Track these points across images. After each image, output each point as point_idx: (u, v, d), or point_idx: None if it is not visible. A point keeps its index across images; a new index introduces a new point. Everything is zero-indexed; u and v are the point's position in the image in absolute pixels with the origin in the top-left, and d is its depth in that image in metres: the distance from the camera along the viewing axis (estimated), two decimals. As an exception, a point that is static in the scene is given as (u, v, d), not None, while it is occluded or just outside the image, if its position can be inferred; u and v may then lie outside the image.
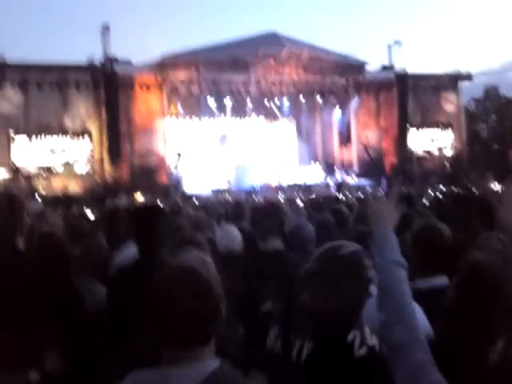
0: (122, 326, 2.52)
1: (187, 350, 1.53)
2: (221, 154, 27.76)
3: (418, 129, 30.82)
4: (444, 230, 2.93)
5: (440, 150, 31.44)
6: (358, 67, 28.79)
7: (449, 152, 31.61)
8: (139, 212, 3.10)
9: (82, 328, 2.48)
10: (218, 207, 9.96)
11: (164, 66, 25.46)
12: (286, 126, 30.39)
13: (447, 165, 29.72)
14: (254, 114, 28.80)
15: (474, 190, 14.91)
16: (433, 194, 13.16)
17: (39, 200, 20.77)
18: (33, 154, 24.20)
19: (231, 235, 3.98)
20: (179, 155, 26.18)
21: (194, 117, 27.88)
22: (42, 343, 2.31)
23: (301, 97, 28.83)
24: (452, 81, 31.58)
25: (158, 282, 1.63)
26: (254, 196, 21.83)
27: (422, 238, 2.89)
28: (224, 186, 25.21)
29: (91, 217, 9.64)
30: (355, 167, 29.46)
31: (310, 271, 2.00)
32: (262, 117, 29.17)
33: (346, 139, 30.28)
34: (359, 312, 1.95)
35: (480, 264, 1.86)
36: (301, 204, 10.93)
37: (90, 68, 25.03)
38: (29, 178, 23.99)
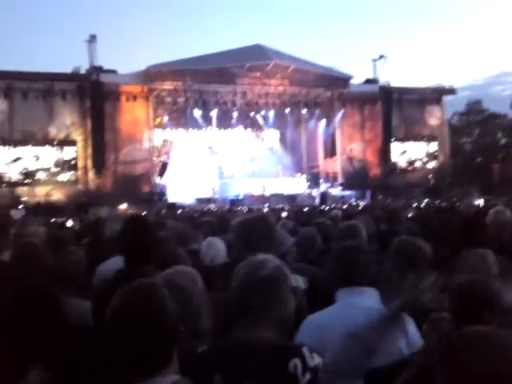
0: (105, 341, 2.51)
1: (145, 375, 1.51)
2: (206, 164, 27.81)
3: (401, 141, 31.15)
4: (423, 246, 2.98)
5: (424, 162, 31.79)
6: (343, 80, 29.07)
7: (432, 165, 31.96)
8: (125, 223, 3.06)
9: (65, 344, 2.44)
10: (202, 218, 9.97)
11: (150, 76, 25.46)
12: (271, 138, 30.56)
13: (431, 178, 30.04)
14: (239, 125, 28.92)
15: (457, 203, 15.12)
16: (416, 207, 13.32)
17: (22, 207, 20.62)
18: (17, 161, 23.99)
19: (216, 247, 3.99)
20: (164, 164, 26.17)
21: (179, 127, 27.91)
22: (23, 359, 2.27)
23: (286, 109, 28.99)
24: (436, 94, 32.03)
25: (113, 303, 1.59)
26: (238, 205, 21.93)
27: (402, 254, 2.94)
28: (208, 195, 25.27)
29: (74, 226, 9.61)
30: (340, 179, 29.65)
31: (238, 301, 1.91)
32: (247, 128, 29.30)
33: (330, 151, 30.49)
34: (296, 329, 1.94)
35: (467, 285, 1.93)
36: (285, 214, 11.01)
37: (76, 77, 24.95)
38: (12, 185, 23.79)
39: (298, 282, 2.87)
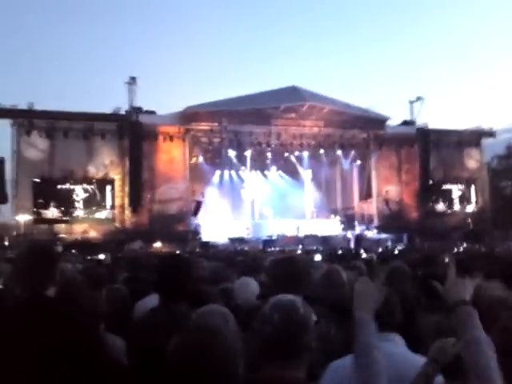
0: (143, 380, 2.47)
1: None
2: (240, 204, 27.86)
3: (440, 184, 30.65)
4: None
5: (462, 206, 31.13)
6: (379, 121, 29.02)
7: (471, 208, 31.26)
8: (161, 261, 3.08)
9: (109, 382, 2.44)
10: (236, 257, 9.87)
11: (187, 117, 25.98)
12: (306, 179, 30.50)
13: (470, 221, 29.30)
14: (273, 165, 29.03)
15: (496, 248, 14.61)
16: (455, 251, 12.92)
17: (59, 244, 20.95)
18: (55, 199, 24.56)
19: (250, 287, 3.89)
20: (198, 204, 26.36)
21: (214, 167, 28.20)
22: None
23: (321, 150, 29.01)
24: (475, 137, 31.58)
25: (177, 342, 1.54)
26: (271, 246, 21.76)
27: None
28: (242, 235, 25.20)
29: (106, 260, 9.62)
30: (375, 221, 29.22)
31: (272, 341, 1.85)
32: (281, 169, 29.36)
33: (366, 193, 30.21)
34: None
35: None
36: (318, 256, 10.79)
37: (116, 117, 25.62)
38: (50, 222, 24.28)
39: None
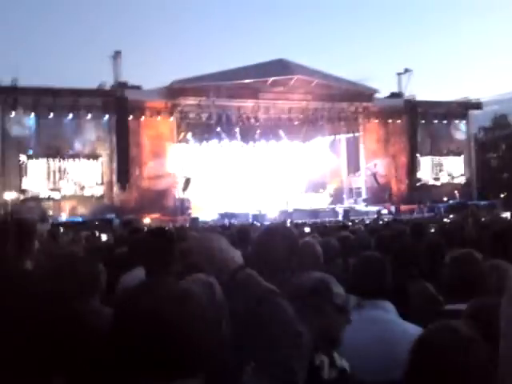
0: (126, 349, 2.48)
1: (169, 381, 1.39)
2: (229, 179, 27.80)
3: (427, 156, 30.79)
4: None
5: (450, 178, 31.34)
6: (367, 94, 28.94)
7: (458, 180, 31.49)
8: (147, 235, 3.11)
9: (87, 351, 2.43)
10: (224, 231, 9.90)
11: (174, 92, 25.71)
12: (295, 153, 30.43)
13: (457, 193, 29.57)
14: (262, 139, 28.91)
15: (482, 218, 14.77)
16: (441, 222, 13.06)
17: (49, 221, 20.85)
18: (43, 176, 24.38)
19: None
20: (187, 179, 26.28)
21: (203, 142, 28.04)
22: (46, 367, 2.25)
23: (310, 123, 28.91)
24: (462, 109, 31.64)
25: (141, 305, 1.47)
26: (260, 220, 21.82)
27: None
28: (231, 210, 25.20)
29: (109, 240, 9.59)
30: (363, 194, 29.37)
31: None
32: (271, 142, 29.25)
33: (354, 166, 30.28)
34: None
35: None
36: (307, 229, 10.84)
37: (101, 93, 25.30)
38: (38, 199, 24.13)
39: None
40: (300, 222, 18.71)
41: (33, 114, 24.06)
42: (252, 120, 27.42)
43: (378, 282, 2.46)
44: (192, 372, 1.41)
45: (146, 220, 22.39)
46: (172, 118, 26.17)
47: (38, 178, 24.30)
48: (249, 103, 26.85)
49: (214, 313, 2.15)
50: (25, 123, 24.12)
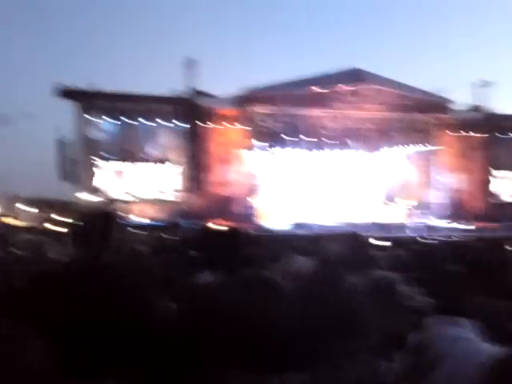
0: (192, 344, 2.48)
1: (268, 374, 1.36)
2: (298, 188, 27.59)
3: (505, 172, 29.40)
4: None
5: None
6: (443, 106, 28.00)
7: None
8: (221, 235, 3.10)
9: (154, 342, 2.46)
10: (293, 241, 9.72)
11: (245, 99, 25.94)
12: (364, 164, 29.79)
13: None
14: (330, 149, 28.49)
15: None
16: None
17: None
18: (116, 179, 25.22)
19: (302, 262, 3.83)
20: (254, 187, 26.36)
21: (270, 150, 28.02)
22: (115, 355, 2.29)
23: (381, 134, 28.28)
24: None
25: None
26: (329, 231, 21.42)
27: None
28: (300, 220, 24.98)
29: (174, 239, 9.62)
30: (437, 210, 28.33)
31: None
32: (339, 152, 28.79)
33: (427, 180, 29.33)
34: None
35: None
36: (377, 242, 10.47)
37: (175, 100, 25.88)
38: (111, 201, 24.93)
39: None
40: (370, 235, 18.19)
41: (108, 119, 24.99)
42: (320, 129, 27.17)
43: (456, 297, 2.39)
44: (289, 365, 1.37)
45: (213, 226, 22.56)
46: (241, 126, 26.41)
47: (111, 180, 25.18)
48: (318, 112, 26.63)
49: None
50: (100, 127, 25.09)
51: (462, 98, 29.50)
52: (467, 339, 2.20)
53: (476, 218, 26.53)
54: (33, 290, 2.95)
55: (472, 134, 28.66)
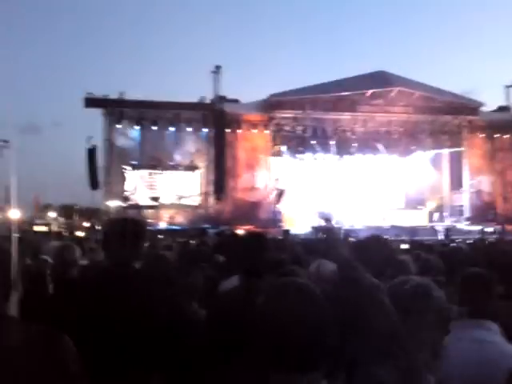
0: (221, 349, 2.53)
1: (297, 374, 1.36)
2: (324, 192, 27.47)
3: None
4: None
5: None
6: (472, 107, 27.54)
7: None
8: (247, 239, 3.13)
9: (185, 349, 2.55)
10: (319, 245, 9.68)
11: (270, 105, 25.97)
12: (393, 167, 29.51)
13: None
14: (359, 153, 28.32)
15: None
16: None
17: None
18: (144, 185, 25.55)
19: (326, 266, 3.82)
20: (281, 192, 26.35)
21: (297, 155, 28.01)
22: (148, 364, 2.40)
23: (410, 137, 27.99)
24: None
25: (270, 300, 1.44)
26: (353, 235, 21.27)
27: None
28: (323, 224, 24.83)
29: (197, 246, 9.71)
30: (466, 212, 27.84)
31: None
32: (367, 156, 28.59)
33: (457, 183, 28.88)
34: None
35: None
36: (406, 246, 10.39)
37: (201, 106, 26.07)
38: (139, 208, 25.26)
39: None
40: (397, 239, 18.01)
41: (137, 126, 25.35)
42: (348, 133, 27.02)
43: (484, 300, 2.37)
44: (317, 365, 1.38)
45: (239, 231, 22.62)
46: (268, 131, 26.42)
47: (139, 187, 25.52)
48: (346, 116, 26.48)
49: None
50: (129, 135, 25.48)
51: (491, 100, 29.03)
52: (492, 342, 2.18)
53: (506, 220, 25.99)
54: (65, 296, 3.07)
55: (502, 135, 28.10)
